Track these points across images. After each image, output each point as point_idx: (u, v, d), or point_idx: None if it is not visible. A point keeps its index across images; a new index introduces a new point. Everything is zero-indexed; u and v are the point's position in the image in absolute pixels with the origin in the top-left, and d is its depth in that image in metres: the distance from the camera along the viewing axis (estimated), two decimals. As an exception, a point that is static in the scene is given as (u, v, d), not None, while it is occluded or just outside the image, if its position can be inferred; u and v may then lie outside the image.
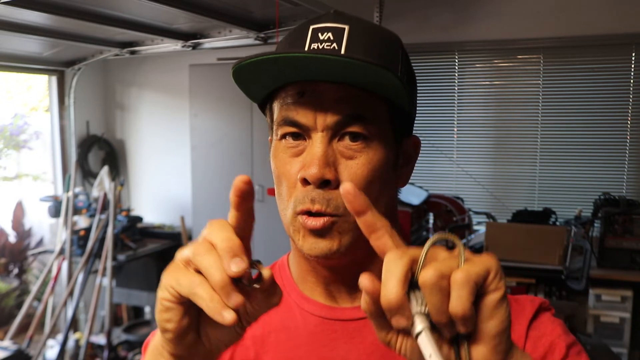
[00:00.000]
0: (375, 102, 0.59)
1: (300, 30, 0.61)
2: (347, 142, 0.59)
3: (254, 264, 0.46)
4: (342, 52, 0.58)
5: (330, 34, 0.59)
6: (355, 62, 0.53)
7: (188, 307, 0.45)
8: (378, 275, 0.65)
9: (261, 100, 0.65)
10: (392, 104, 0.61)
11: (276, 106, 0.62)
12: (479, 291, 0.41)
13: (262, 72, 0.58)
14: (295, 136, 0.60)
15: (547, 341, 0.62)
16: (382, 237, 0.45)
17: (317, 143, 0.58)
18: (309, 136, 0.59)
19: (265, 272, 0.46)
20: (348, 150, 0.59)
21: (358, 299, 0.65)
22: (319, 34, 0.59)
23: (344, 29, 0.59)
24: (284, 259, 0.73)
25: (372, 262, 0.65)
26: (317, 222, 0.58)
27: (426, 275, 0.40)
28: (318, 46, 0.59)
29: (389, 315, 0.41)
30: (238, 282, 0.43)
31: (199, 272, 0.44)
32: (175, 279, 0.45)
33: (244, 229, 0.47)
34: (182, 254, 0.46)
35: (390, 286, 0.41)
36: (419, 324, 0.41)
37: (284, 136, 0.61)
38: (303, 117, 0.58)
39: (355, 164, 0.59)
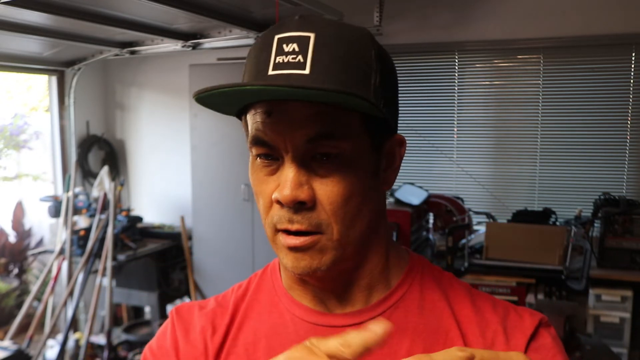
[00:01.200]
0: (346, 115, 0.57)
1: (267, 39, 0.59)
2: (320, 160, 0.57)
3: None
4: (308, 66, 0.56)
5: (295, 45, 0.57)
6: (321, 93, 0.52)
7: None
8: (366, 283, 0.65)
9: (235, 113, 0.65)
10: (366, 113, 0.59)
11: (249, 120, 0.61)
12: None
13: (226, 96, 0.56)
14: (267, 156, 0.59)
15: None
16: None
17: (288, 164, 0.57)
18: (281, 156, 0.58)
19: None
20: (321, 169, 0.58)
21: (349, 306, 0.65)
22: (284, 45, 0.57)
23: (309, 37, 0.57)
24: (276, 263, 0.72)
25: (359, 270, 0.65)
26: (296, 241, 0.58)
27: None
28: (283, 60, 0.56)
29: None
30: None
31: None
32: None
33: None
34: None
35: None
36: None
37: (257, 156, 0.60)
38: (272, 138, 0.57)
39: (331, 182, 0.57)
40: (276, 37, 0.58)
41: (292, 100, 0.56)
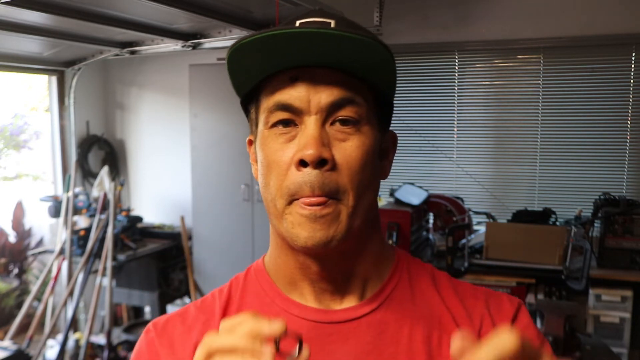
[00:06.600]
0: (364, 87, 0.62)
1: (286, 23, 0.63)
2: (339, 125, 0.60)
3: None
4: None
5: (317, 25, 0.61)
6: (353, 36, 0.55)
7: None
8: (363, 274, 0.67)
9: (244, 97, 0.67)
10: (379, 92, 0.63)
11: (264, 95, 0.63)
12: None
13: (256, 53, 0.58)
14: (286, 124, 0.61)
15: None
16: None
17: (311, 125, 0.59)
18: (301, 121, 0.60)
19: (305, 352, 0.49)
20: (340, 133, 0.60)
21: (347, 300, 0.66)
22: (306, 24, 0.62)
23: (330, 22, 0.61)
24: (260, 263, 0.72)
25: (359, 255, 0.66)
26: (317, 208, 0.58)
27: None
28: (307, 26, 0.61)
29: None
30: None
31: None
32: None
33: None
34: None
35: None
36: None
37: (274, 124, 0.61)
38: (297, 99, 0.59)
39: (349, 146, 0.60)
40: (298, 22, 0.62)
41: (318, 68, 0.60)
